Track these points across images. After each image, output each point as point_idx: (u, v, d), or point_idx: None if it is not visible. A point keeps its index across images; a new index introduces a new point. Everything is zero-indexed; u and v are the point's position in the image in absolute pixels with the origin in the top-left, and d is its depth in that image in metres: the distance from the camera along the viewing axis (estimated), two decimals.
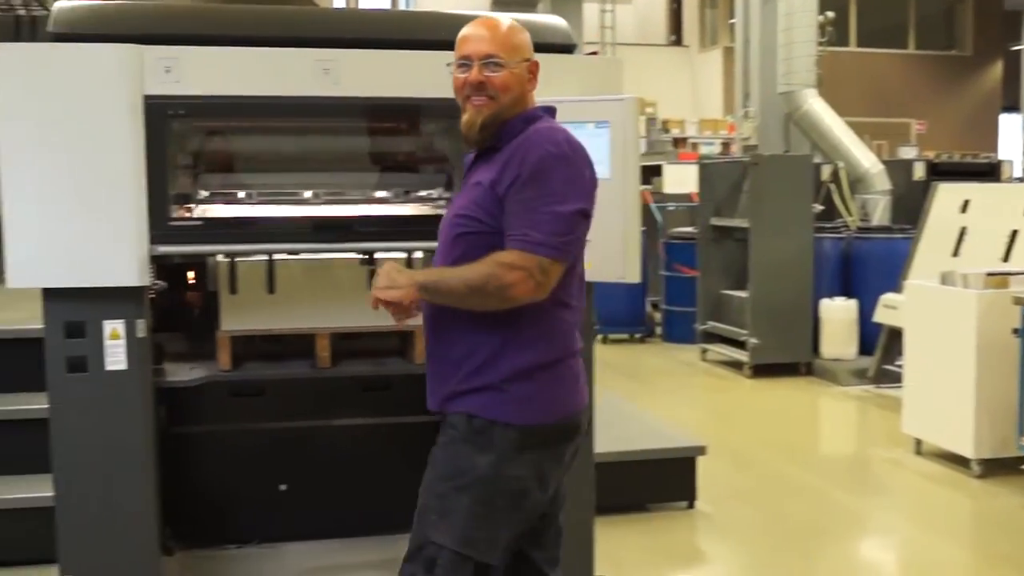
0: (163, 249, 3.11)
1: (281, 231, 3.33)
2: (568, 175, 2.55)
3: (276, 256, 3.50)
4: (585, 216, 2.59)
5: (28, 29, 8.25)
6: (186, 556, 4.20)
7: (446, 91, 3.26)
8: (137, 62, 3.06)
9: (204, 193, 3.54)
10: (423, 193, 3.79)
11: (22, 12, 8.38)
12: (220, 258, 3.49)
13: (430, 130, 3.75)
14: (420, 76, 3.28)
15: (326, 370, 3.60)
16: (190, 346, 3.81)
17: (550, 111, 2.75)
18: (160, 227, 3.10)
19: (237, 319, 3.49)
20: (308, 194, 3.71)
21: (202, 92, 3.12)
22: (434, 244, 3.40)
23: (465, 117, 2.66)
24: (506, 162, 2.56)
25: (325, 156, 3.73)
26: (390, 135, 3.80)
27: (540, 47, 3.38)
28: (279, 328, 3.58)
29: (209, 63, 3.12)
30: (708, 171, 9.53)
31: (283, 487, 3.95)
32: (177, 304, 3.87)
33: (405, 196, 3.80)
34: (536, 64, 2.73)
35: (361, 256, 3.56)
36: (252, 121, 3.41)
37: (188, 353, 3.74)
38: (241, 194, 3.63)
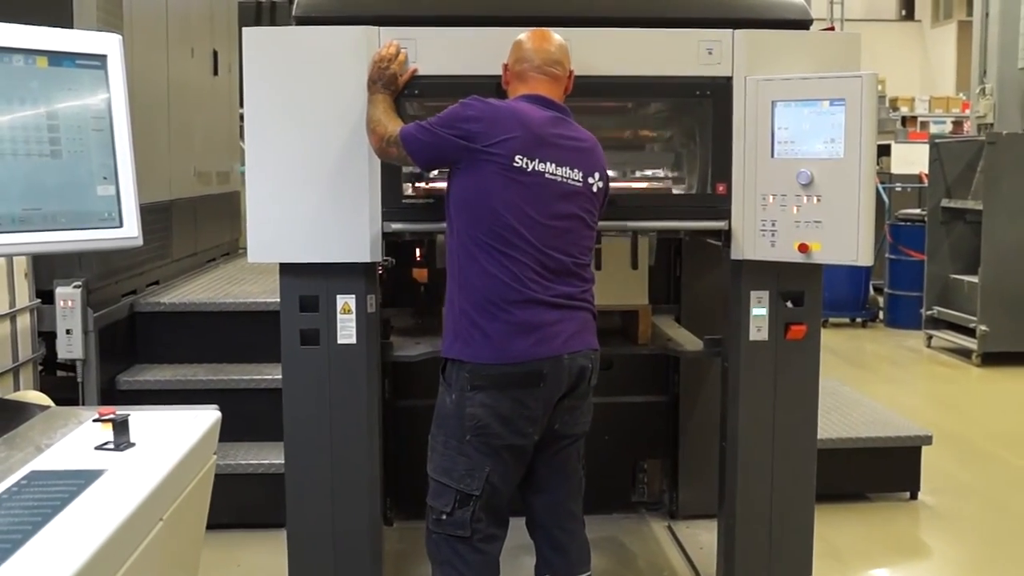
0: (395, 226, 3.18)
1: None
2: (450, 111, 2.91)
3: None
4: (434, 132, 2.87)
5: (268, 15, 8.64)
6: (405, 527, 4.33)
7: (677, 69, 3.26)
8: (374, 43, 3.13)
9: (434, 172, 3.60)
10: (648, 172, 3.75)
11: None
12: None
13: (658, 108, 3.71)
14: (650, 54, 3.24)
15: None
16: (416, 321, 3.89)
17: (526, 97, 3.01)
18: (393, 205, 3.17)
19: None
20: None
21: (437, 72, 3.16)
22: (658, 224, 3.42)
23: None
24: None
25: None
26: (619, 114, 3.78)
27: (774, 23, 3.31)
28: None
29: (443, 44, 3.16)
30: (939, 151, 9.08)
31: None
32: (404, 280, 3.96)
33: (629, 175, 3.76)
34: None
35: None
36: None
37: (413, 328, 3.83)
38: None
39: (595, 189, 3.00)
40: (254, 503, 4.41)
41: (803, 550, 3.47)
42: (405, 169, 3.29)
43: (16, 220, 2.25)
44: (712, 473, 3.61)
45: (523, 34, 3.06)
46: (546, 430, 2.96)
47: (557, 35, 3.05)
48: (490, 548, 2.96)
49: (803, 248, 3.13)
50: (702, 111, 3.34)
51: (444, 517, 2.92)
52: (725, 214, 3.27)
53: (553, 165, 2.90)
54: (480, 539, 2.92)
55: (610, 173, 3.67)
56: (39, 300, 4.10)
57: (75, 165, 2.38)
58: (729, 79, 3.23)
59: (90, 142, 2.41)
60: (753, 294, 3.32)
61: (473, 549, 2.92)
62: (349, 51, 3.12)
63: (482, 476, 2.89)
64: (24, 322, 3.83)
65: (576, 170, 2.95)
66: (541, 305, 2.88)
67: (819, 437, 3.49)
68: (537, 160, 2.88)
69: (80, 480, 1.84)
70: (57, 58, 2.37)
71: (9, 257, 3.56)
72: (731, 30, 3.23)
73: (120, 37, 2.48)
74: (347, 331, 3.22)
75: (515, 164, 2.85)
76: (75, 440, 2.10)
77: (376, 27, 3.14)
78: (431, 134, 2.87)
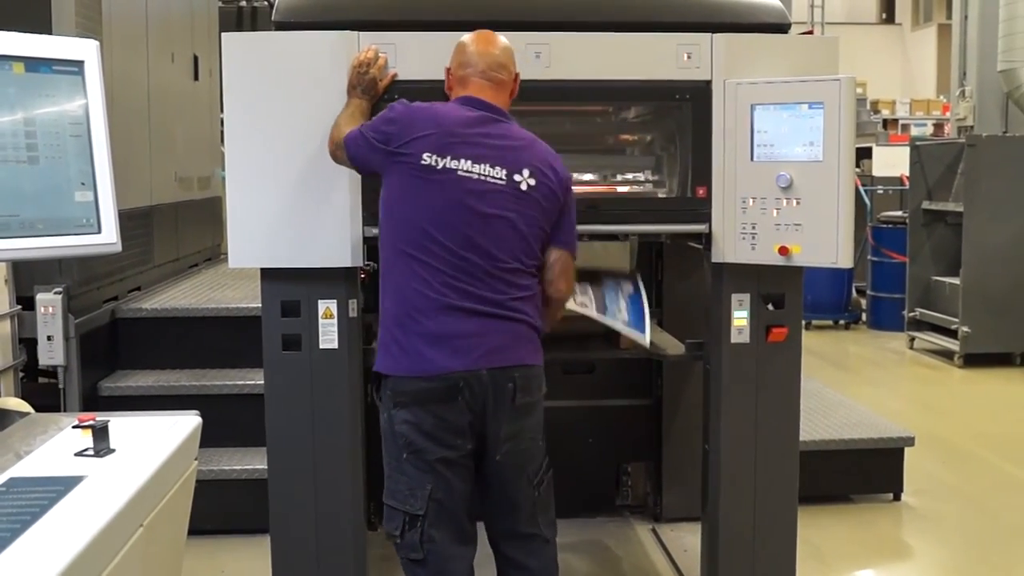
0: (376, 231, 3.17)
1: None
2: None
3: None
4: (365, 136, 2.87)
5: (249, 20, 8.64)
6: None
7: (656, 73, 3.27)
8: (353, 48, 3.13)
9: None
10: (629, 176, 3.76)
11: (244, 4, 8.77)
12: None
13: (638, 112, 3.72)
14: (629, 58, 3.25)
15: None
16: None
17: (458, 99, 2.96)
18: (374, 209, 3.16)
19: None
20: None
21: (417, 76, 3.16)
22: (639, 227, 3.43)
23: None
24: None
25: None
26: (599, 118, 3.79)
27: (753, 27, 3.33)
28: None
29: (424, 48, 3.16)
30: (920, 153, 9.14)
31: None
32: None
33: (610, 179, 3.77)
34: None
35: None
36: None
37: None
38: None
39: (524, 187, 2.83)
40: (237, 509, 4.40)
41: (786, 552, 3.48)
42: None
43: None
44: (696, 476, 3.62)
45: (466, 36, 3.01)
46: (484, 455, 2.85)
47: (502, 37, 3.01)
48: (452, 568, 2.85)
49: (783, 251, 3.15)
50: (682, 115, 3.35)
51: (398, 541, 2.84)
52: (706, 217, 3.28)
53: (468, 162, 2.79)
54: (437, 559, 2.83)
55: (589, 176, 3.70)
56: (20, 306, 4.09)
57: (53, 171, 2.37)
58: (708, 83, 3.25)
59: (68, 148, 2.39)
60: (734, 297, 3.34)
61: (433, 572, 2.83)
62: (329, 56, 3.12)
63: (424, 494, 2.79)
64: (4, 328, 3.82)
65: (498, 167, 2.81)
66: (457, 312, 2.76)
67: (802, 439, 3.51)
68: (449, 157, 2.78)
69: (59, 487, 1.83)
70: (34, 64, 2.35)
71: None
72: (710, 34, 3.24)
73: (97, 43, 2.47)
74: (329, 336, 3.22)
75: (423, 162, 2.77)
76: (55, 447, 2.09)
77: (356, 32, 3.14)
78: (363, 138, 2.87)
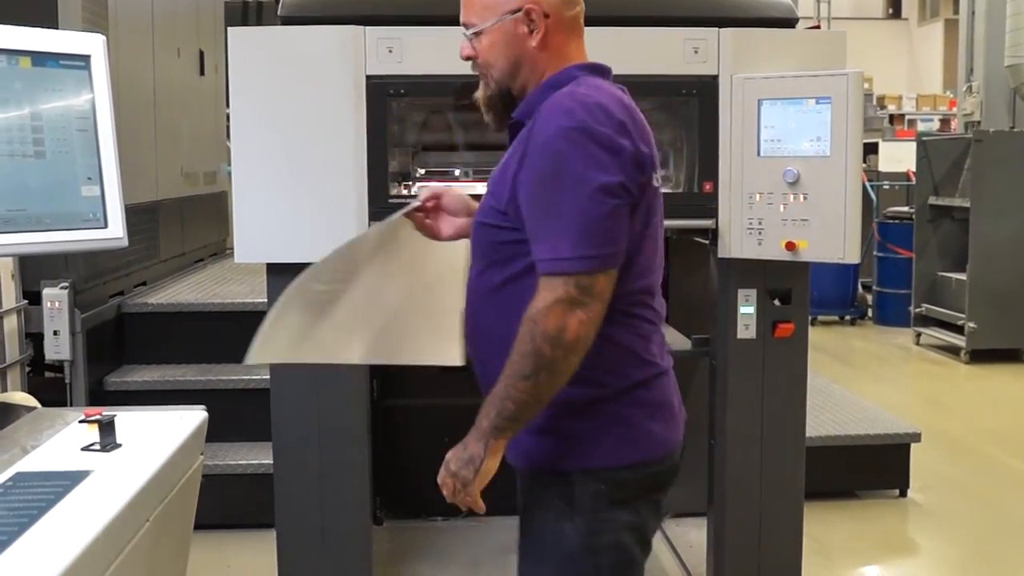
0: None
1: None
2: (587, 152, 1.91)
3: None
4: (617, 192, 1.91)
5: (255, 15, 8.64)
6: (395, 526, 4.32)
7: (662, 68, 3.26)
8: (359, 43, 3.12)
9: (421, 171, 3.60)
10: None
11: None
12: None
13: (644, 107, 3.70)
14: (635, 53, 3.24)
15: None
16: None
17: (598, 69, 2.13)
18: (380, 204, 3.17)
19: None
20: None
21: (422, 72, 3.16)
22: None
23: (477, 94, 2.22)
24: (520, 144, 2.03)
25: None
26: None
27: (760, 21, 3.32)
28: None
29: (429, 43, 3.16)
30: (926, 148, 9.12)
31: None
32: None
33: None
34: (535, 9, 2.07)
35: None
36: (470, 99, 3.43)
37: None
38: (457, 172, 3.67)
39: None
40: (243, 503, 4.40)
41: (792, 548, 3.48)
42: (391, 168, 3.29)
43: (2, 221, 2.24)
44: (701, 471, 3.61)
45: None
46: None
47: None
48: None
49: (790, 246, 3.14)
50: (688, 110, 3.34)
51: None
52: (712, 212, 3.27)
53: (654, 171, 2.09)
54: None
55: None
56: (26, 301, 4.09)
57: (59, 166, 2.37)
58: (715, 78, 3.24)
59: (74, 143, 2.40)
60: (741, 292, 3.33)
61: None
62: (335, 51, 3.11)
63: None
64: (11, 323, 3.82)
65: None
66: (666, 371, 2.18)
67: (808, 435, 3.50)
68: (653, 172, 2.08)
69: (66, 481, 1.84)
70: (40, 58, 2.36)
71: None
72: (717, 29, 3.24)
73: (104, 37, 2.47)
74: None
75: (654, 184, 2.07)
76: (61, 441, 2.10)
77: (362, 27, 3.14)
78: (606, 210, 1.92)
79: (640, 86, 3.44)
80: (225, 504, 4.28)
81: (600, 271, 1.93)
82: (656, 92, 3.41)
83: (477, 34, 2.14)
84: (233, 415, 4.46)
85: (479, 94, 2.20)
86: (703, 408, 3.59)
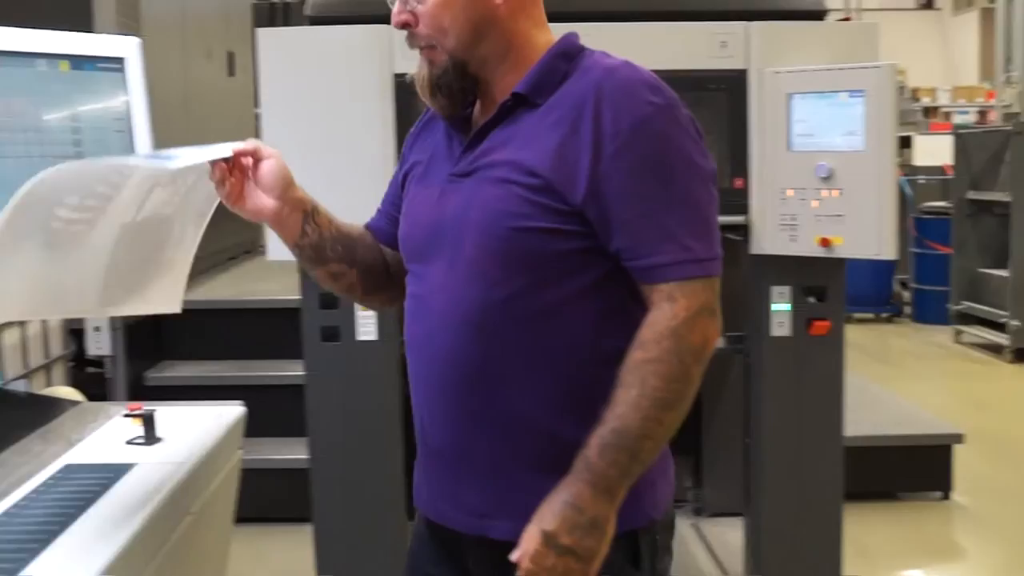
0: None
1: None
2: (687, 134, 1.69)
3: None
4: (715, 181, 1.73)
5: (282, 16, 8.69)
6: None
7: (689, 63, 3.25)
8: (386, 41, 3.14)
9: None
10: None
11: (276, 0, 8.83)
12: None
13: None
14: (662, 49, 3.23)
15: None
16: None
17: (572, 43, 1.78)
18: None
19: None
20: None
21: None
22: None
23: (414, 73, 1.78)
24: (572, 128, 1.63)
25: None
26: None
27: (788, 14, 3.31)
28: None
29: None
30: (964, 141, 9.02)
31: None
32: None
33: None
34: None
35: None
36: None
37: None
38: None
39: None
40: (280, 498, 4.44)
41: (831, 549, 3.44)
42: None
43: None
44: (737, 470, 3.61)
45: None
46: None
47: None
48: None
49: (824, 242, 3.13)
50: (716, 105, 3.33)
51: None
52: (743, 208, 3.26)
53: None
54: None
55: None
56: None
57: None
58: (743, 72, 3.23)
59: (111, 143, 2.43)
60: (774, 289, 3.32)
61: None
62: (362, 49, 3.13)
63: None
64: (54, 321, 3.88)
65: None
66: None
67: (846, 435, 3.46)
68: None
69: (111, 473, 1.88)
70: (78, 62, 2.40)
71: None
72: (745, 22, 3.23)
73: (139, 40, 2.51)
74: (367, 328, 3.24)
75: None
76: (105, 434, 2.14)
77: (388, 25, 3.15)
78: (714, 201, 1.71)
79: (667, 82, 3.45)
80: (262, 498, 4.31)
81: (720, 274, 1.68)
82: (684, 88, 3.37)
83: None
84: (270, 410, 4.49)
85: (419, 73, 1.74)
86: (738, 406, 3.59)
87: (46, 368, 3.81)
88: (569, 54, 1.72)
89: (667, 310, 1.59)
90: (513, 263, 1.63)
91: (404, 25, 1.72)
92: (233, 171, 1.81)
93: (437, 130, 1.83)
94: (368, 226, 2.04)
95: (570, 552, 1.53)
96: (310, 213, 1.90)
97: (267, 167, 1.84)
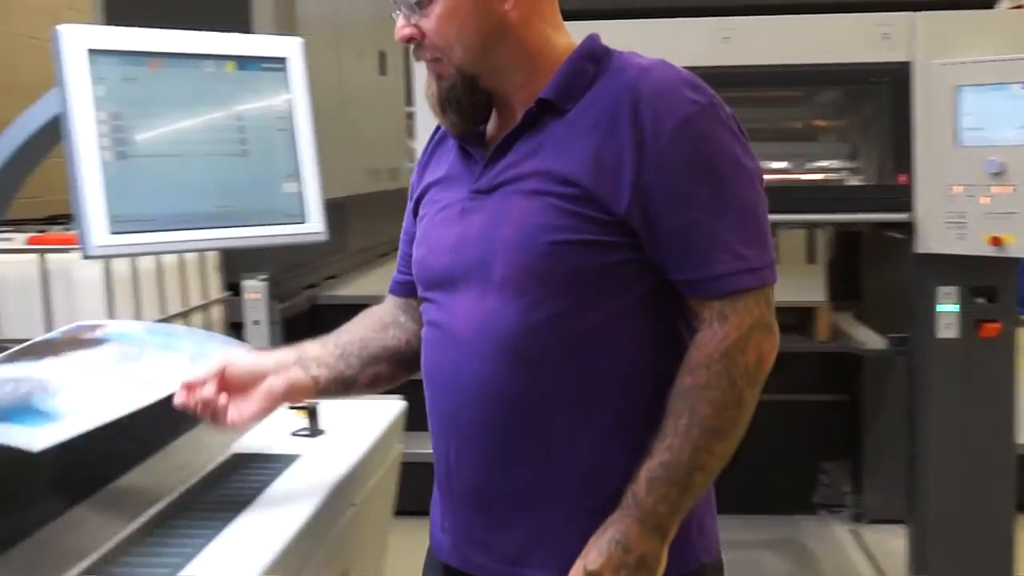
0: None
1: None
2: (731, 134, 1.54)
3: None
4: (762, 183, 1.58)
5: None
6: None
7: (850, 55, 3.16)
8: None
9: None
10: (824, 163, 3.66)
11: None
12: None
13: (831, 98, 3.62)
14: (821, 41, 3.16)
15: None
16: None
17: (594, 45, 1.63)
18: None
19: None
20: (779, 164, 3.65)
21: None
22: (835, 217, 3.32)
23: (425, 90, 1.65)
24: (608, 133, 1.50)
25: None
26: (790, 104, 3.70)
27: (957, 3, 3.18)
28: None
29: (616, 37, 3.14)
30: None
31: None
32: None
33: (803, 166, 3.68)
34: None
35: None
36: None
37: None
38: None
39: None
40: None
41: (1003, 562, 3.29)
42: None
43: (211, 217, 2.35)
44: (898, 476, 3.49)
45: None
46: None
47: None
48: None
49: (995, 241, 2.99)
50: (879, 98, 3.23)
51: None
52: (907, 205, 3.15)
53: None
54: None
55: (779, 164, 3.61)
56: (229, 292, 4.28)
57: (262, 164, 2.47)
58: (907, 64, 3.12)
59: (275, 141, 2.49)
60: (940, 290, 3.19)
61: None
62: None
63: None
64: (216, 313, 4.01)
65: None
66: None
67: (1019, 442, 3.31)
68: None
69: (279, 464, 1.93)
70: (243, 62, 2.46)
71: (203, 252, 3.74)
72: (910, 13, 3.12)
73: (301, 40, 2.57)
74: None
75: None
76: (271, 425, 2.19)
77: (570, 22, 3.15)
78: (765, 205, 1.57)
79: (827, 75, 3.37)
80: (421, 491, 4.35)
81: (776, 281, 1.54)
82: (844, 81, 3.32)
83: (418, 3, 1.56)
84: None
85: (428, 91, 1.62)
86: (899, 410, 3.47)
87: None
88: (595, 55, 1.59)
89: (718, 330, 1.46)
90: (553, 281, 1.48)
91: (409, 40, 1.59)
92: (206, 406, 1.62)
93: (450, 148, 1.69)
94: (392, 292, 1.89)
95: None
96: (305, 361, 1.73)
97: (234, 371, 1.66)
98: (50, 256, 3.07)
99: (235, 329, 4.41)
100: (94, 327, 1.92)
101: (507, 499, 1.55)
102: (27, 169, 2.40)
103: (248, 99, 2.46)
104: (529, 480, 1.53)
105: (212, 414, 1.61)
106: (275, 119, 2.52)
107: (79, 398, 1.47)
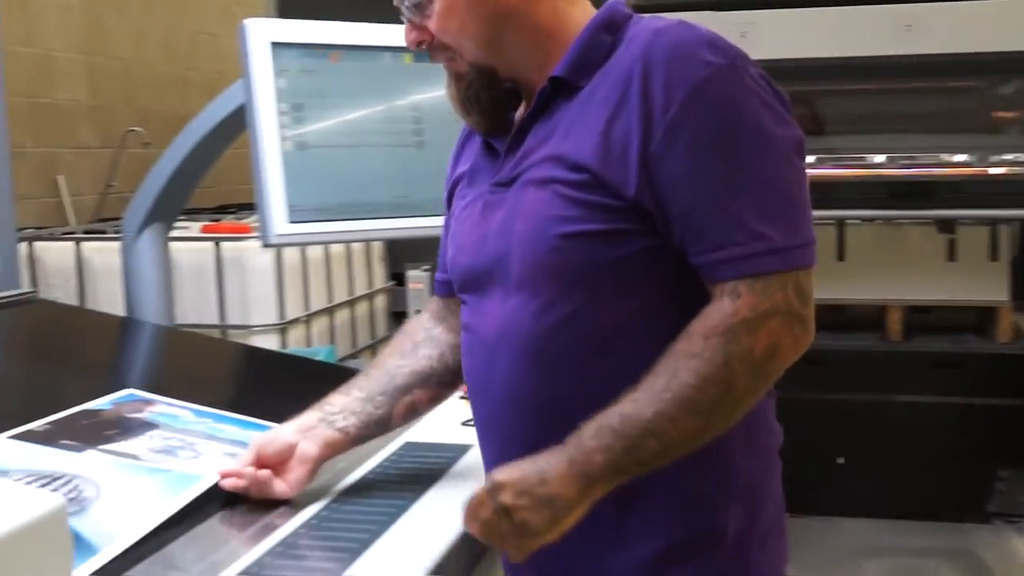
0: None
1: (854, 196, 3.24)
2: (759, 98, 1.33)
3: (847, 222, 3.41)
4: (803, 152, 1.36)
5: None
6: None
7: None
8: (736, 30, 3.09)
9: None
10: (1008, 156, 3.50)
11: None
12: None
13: (1016, 87, 3.46)
14: (1008, 27, 3.02)
15: (895, 344, 3.46)
16: None
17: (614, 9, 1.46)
18: None
19: None
20: (880, 158, 3.56)
21: (776, 56, 3.09)
22: (1019, 211, 3.18)
23: (447, 93, 1.56)
24: (617, 106, 1.34)
25: (899, 117, 3.56)
26: (972, 93, 3.55)
27: None
28: (847, 298, 3.49)
29: (785, 26, 3.09)
30: None
31: (840, 460, 3.88)
32: None
33: (985, 160, 3.53)
34: None
35: (938, 223, 3.37)
36: (827, 84, 3.33)
37: None
38: (811, 159, 3.57)
39: None
40: None
41: None
42: None
43: (387, 207, 2.39)
44: None
45: None
46: None
47: None
48: None
49: None
50: None
51: None
52: None
53: None
54: None
55: (961, 157, 3.46)
56: (393, 282, 4.36)
57: (436, 155, 2.48)
58: None
59: (451, 132, 2.49)
60: None
61: None
62: None
63: None
64: (380, 303, 4.08)
65: None
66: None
67: None
68: None
69: (450, 453, 1.93)
70: (420, 54, 2.48)
71: (369, 242, 3.81)
72: None
73: None
74: None
75: None
76: (441, 415, 2.20)
77: (712, 11, 3.10)
78: (804, 180, 1.36)
79: (1012, 63, 3.22)
80: None
81: (812, 264, 1.33)
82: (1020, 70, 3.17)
83: (418, 5, 1.47)
84: None
85: (448, 92, 1.54)
86: None
87: (371, 348, 4.01)
88: (614, 24, 1.42)
89: (727, 304, 1.28)
90: (564, 277, 1.36)
91: (419, 44, 1.50)
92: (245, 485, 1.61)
93: (478, 139, 1.59)
94: (435, 293, 1.78)
95: (506, 514, 1.27)
96: (330, 417, 1.67)
97: (271, 451, 1.63)
98: (224, 244, 3.16)
99: (396, 318, 4.48)
100: (143, 405, 1.92)
101: None
102: (213, 156, 2.49)
103: (424, 90, 2.49)
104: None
105: (261, 490, 1.60)
106: (451, 110, 2.54)
107: (111, 516, 1.46)
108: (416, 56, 2.48)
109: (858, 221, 3.40)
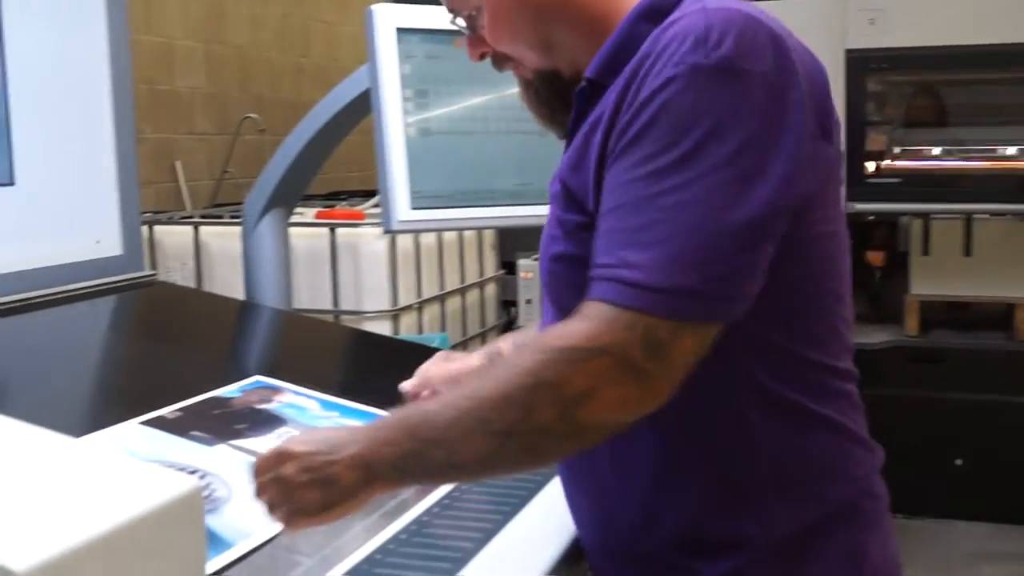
0: (858, 206, 3.07)
1: (983, 190, 3.14)
2: (735, 112, 1.08)
3: (975, 216, 3.31)
4: (780, 186, 1.08)
5: None
6: None
7: None
8: (838, 15, 3.02)
9: (897, 149, 3.44)
10: None
11: None
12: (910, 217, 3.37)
13: None
14: None
15: (1022, 344, 3.36)
16: (871, 307, 3.75)
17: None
18: (854, 184, 3.05)
19: (929, 282, 3.35)
20: (1012, 150, 3.45)
21: (906, 44, 3.01)
22: None
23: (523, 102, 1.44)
24: (598, 120, 1.21)
25: None
26: None
27: None
28: (975, 295, 3.38)
29: (917, 12, 3.00)
30: None
31: (958, 462, 3.77)
32: (856, 263, 3.82)
33: None
34: None
35: None
36: (960, 73, 3.23)
37: (869, 315, 3.68)
38: (936, 150, 3.47)
39: None
40: None
41: None
42: (868, 147, 3.16)
43: (507, 195, 2.38)
44: None
45: None
46: None
47: None
48: None
49: None
50: None
51: None
52: None
53: None
54: None
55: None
56: (503, 271, 4.36)
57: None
58: None
59: None
60: None
61: None
62: (813, 24, 3.01)
63: None
64: (491, 291, 4.09)
65: None
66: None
67: None
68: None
69: None
70: None
71: (481, 230, 3.82)
72: None
73: None
74: None
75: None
76: None
77: None
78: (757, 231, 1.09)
79: None
80: None
81: (693, 322, 1.07)
82: None
83: (472, 16, 1.37)
84: None
85: (524, 101, 1.43)
86: None
87: (482, 336, 4.02)
88: (656, 11, 1.22)
89: (573, 325, 1.09)
90: (561, 304, 1.23)
91: (483, 57, 1.39)
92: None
93: None
94: None
95: (281, 484, 1.19)
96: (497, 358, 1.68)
97: (433, 374, 1.72)
98: (339, 230, 3.19)
99: (506, 306, 4.48)
100: (271, 393, 1.89)
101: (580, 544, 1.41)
102: (334, 142, 2.50)
103: None
104: (590, 525, 1.36)
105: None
106: None
107: (244, 518, 1.44)
108: None
109: (986, 215, 3.29)
